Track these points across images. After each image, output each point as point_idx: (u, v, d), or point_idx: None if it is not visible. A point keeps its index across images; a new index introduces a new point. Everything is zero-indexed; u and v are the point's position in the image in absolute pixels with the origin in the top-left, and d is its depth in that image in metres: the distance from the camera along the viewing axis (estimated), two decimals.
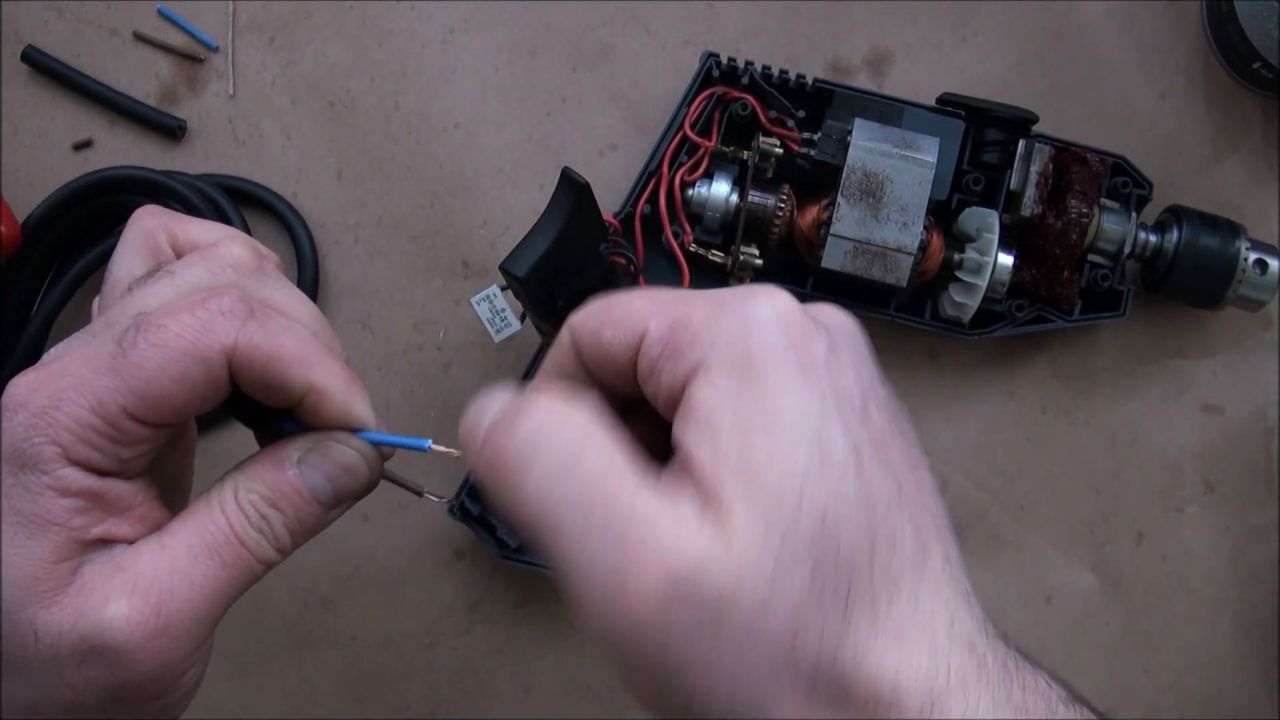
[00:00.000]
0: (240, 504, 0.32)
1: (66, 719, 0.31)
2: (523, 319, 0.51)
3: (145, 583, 0.30)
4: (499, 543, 0.53)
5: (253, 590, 0.56)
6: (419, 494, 0.38)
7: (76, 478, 0.30)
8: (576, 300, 0.47)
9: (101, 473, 0.30)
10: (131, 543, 0.31)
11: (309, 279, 0.56)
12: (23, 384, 0.30)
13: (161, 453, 0.33)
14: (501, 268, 0.43)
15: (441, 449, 0.35)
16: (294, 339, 0.32)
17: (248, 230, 0.55)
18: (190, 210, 0.54)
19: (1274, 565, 0.56)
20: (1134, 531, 0.57)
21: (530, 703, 0.56)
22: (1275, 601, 0.56)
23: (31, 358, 0.53)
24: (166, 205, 0.54)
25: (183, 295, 0.32)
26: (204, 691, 0.56)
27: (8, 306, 0.54)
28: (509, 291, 0.50)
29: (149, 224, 0.35)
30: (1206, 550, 0.56)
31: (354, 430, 0.34)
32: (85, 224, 0.55)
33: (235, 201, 0.55)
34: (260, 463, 0.33)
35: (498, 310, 0.50)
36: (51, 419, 0.30)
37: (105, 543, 0.31)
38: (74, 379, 0.30)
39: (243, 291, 0.32)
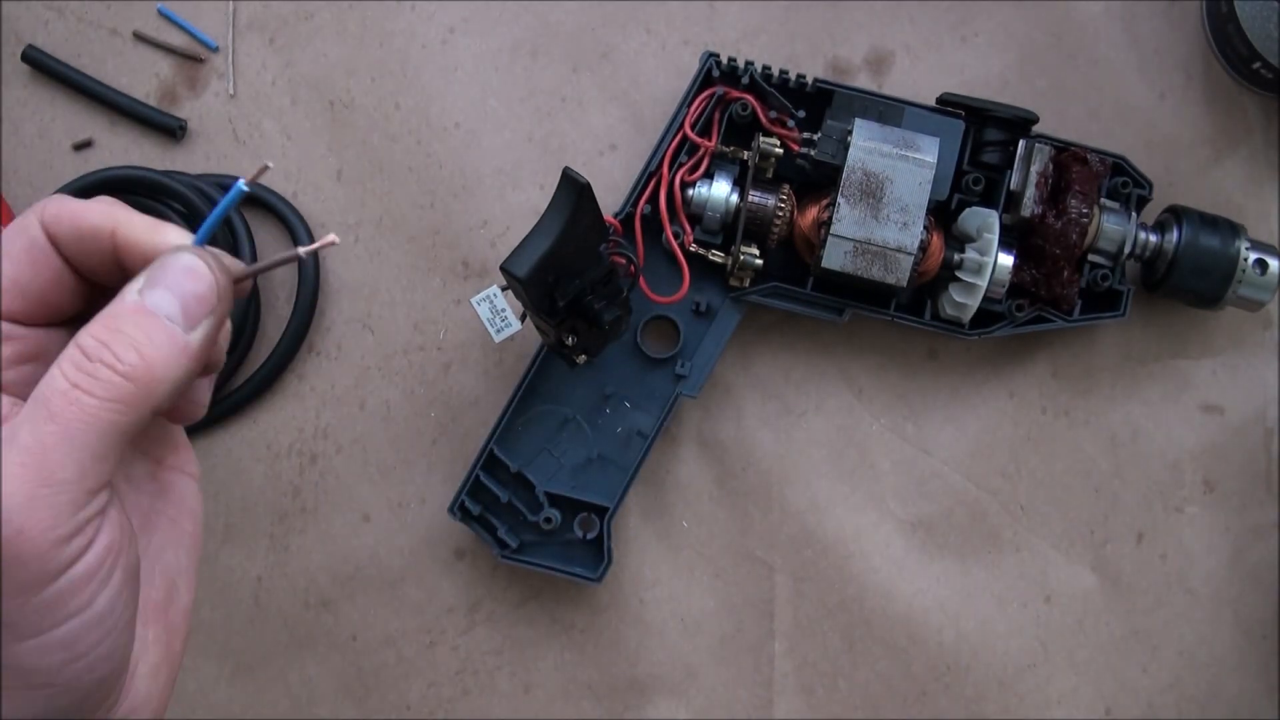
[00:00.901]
0: (73, 346, 0.30)
1: None
2: (523, 319, 0.51)
3: (11, 428, 0.29)
4: (499, 543, 0.53)
5: (253, 590, 0.56)
6: (298, 257, 0.34)
7: None
8: (577, 300, 0.47)
9: None
10: None
11: (310, 279, 0.56)
12: None
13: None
14: (502, 268, 0.43)
15: (251, 177, 0.33)
16: (97, 201, 0.33)
17: (248, 230, 0.55)
18: (191, 210, 0.54)
19: (1274, 565, 0.56)
20: (1134, 531, 0.57)
21: (530, 703, 0.56)
22: (1275, 601, 0.56)
23: None
24: (167, 205, 0.54)
25: None
26: (204, 691, 0.56)
27: None
28: (509, 291, 0.50)
29: (19, 220, 0.36)
30: (1206, 550, 0.56)
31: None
32: None
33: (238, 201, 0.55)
34: (108, 306, 0.32)
35: (498, 310, 0.50)
36: None
37: None
38: None
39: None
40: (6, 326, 0.32)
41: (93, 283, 0.34)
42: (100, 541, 0.29)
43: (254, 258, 0.55)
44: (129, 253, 0.32)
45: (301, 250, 0.33)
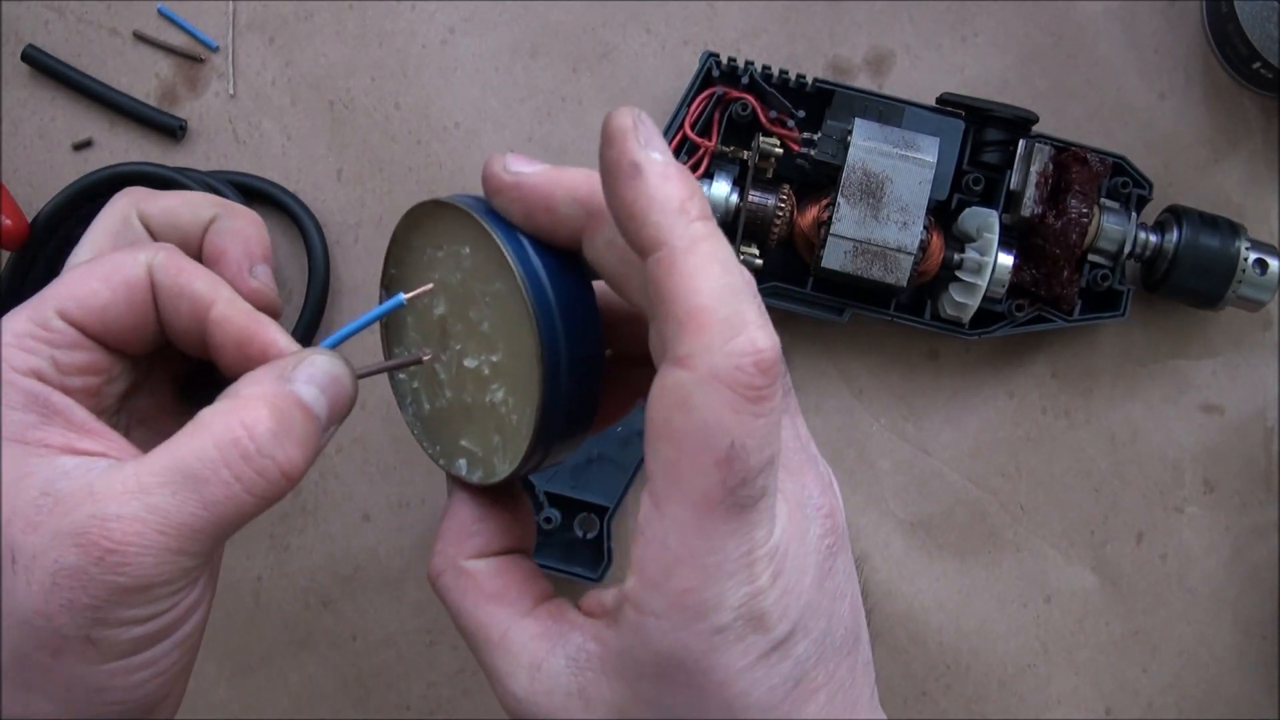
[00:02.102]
0: (242, 429, 0.30)
1: (47, 651, 0.29)
2: None
3: (138, 505, 0.29)
4: None
5: (253, 590, 0.56)
6: (419, 361, 0.35)
7: (22, 385, 0.30)
8: None
9: (43, 380, 0.31)
10: (110, 459, 0.30)
11: (319, 274, 0.56)
12: None
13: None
14: None
15: (417, 291, 0.34)
16: (206, 271, 0.34)
17: None
18: None
19: (1274, 565, 0.56)
20: (1134, 531, 0.57)
21: None
22: (1275, 601, 0.56)
23: None
24: None
25: None
26: (204, 691, 0.56)
27: (16, 304, 0.54)
28: None
29: (121, 203, 0.36)
30: (1206, 550, 0.56)
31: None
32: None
33: (247, 198, 0.55)
34: (256, 380, 0.31)
35: None
36: None
37: (73, 455, 0.30)
38: (19, 306, 0.32)
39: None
40: (79, 336, 0.32)
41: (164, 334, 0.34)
42: (205, 577, 0.31)
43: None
44: (225, 328, 0.32)
45: (426, 355, 0.34)
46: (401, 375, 0.37)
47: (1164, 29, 0.57)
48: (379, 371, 0.35)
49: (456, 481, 0.35)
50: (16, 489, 0.29)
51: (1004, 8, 0.57)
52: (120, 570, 0.28)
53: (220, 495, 0.29)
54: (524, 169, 0.31)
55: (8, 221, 0.54)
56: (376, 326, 0.35)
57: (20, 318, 0.32)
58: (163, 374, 0.37)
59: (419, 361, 0.34)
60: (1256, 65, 0.54)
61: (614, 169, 0.28)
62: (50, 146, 0.57)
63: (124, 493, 0.29)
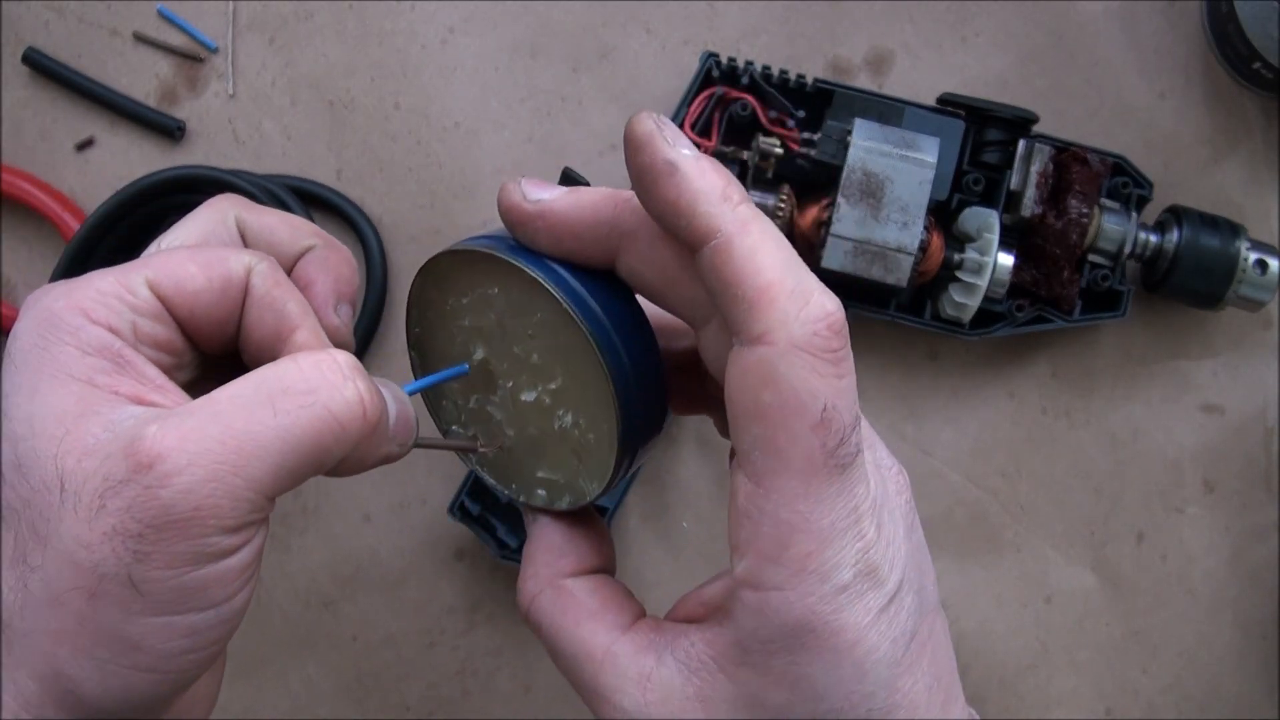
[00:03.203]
0: (334, 358, 0.29)
1: (83, 593, 0.27)
2: None
3: (202, 415, 0.28)
4: (499, 543, 0.53)
5: (253, 590, 0.56)
6: (473, 449, 0.36)
7: (96, 334, 0.30)
8: None
9: (122, 338, 0.30)
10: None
11: (377, 277, 0.56)
12: (39, 291, 0.31)
13: None
14: None
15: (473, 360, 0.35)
16: (301, 296, 0.33)
17: None
18: None
19: (1274, 565, 0.56)
20: (1134, 531, 0.57)
21: (530, 703, 0.56)
22: (1275, 601, 0.56)
23: None
24: None
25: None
26: None
27: None
28: None
29: (222, 205, 0.36)
30: (1206, 550, 0.56)
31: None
32: (154, 220, 0.54)
33: (301, 201, 0.55)
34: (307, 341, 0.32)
35: None
36: (79, 291, 0.30)
37: (140, 405, 0.29)
38: (99, 271, 0.31)
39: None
40: (162, 309, 0.32)
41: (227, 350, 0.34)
42: (256, 542, 0.29)
43: None
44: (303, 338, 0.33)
45: (481, 447, 0.36)
46: (455, 427, 0.37)
47: (1164, 29, 0.57)
48: (436, 446, 0.36)
49: (539, 511, 0.35)
50: (77, 424, 0.28)
51: (1004, 8, 0.57)
52: (168, 482, 0.26)
53: (295, 405, 0.28)
54: (545, 196, 0.31)
55: (69, 219, 0.54)
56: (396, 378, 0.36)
57: (108, 278, 0.31)
58: (218, 382, 0.36)
59: (473, 449, 0.36)
60: (1256, 65, 0.54)
61: (650, 171, 0.29)
62: (52, 147, 0.57)
63: (188, 408, 0.28)
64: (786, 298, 0.27)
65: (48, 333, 0.29)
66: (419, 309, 0.36)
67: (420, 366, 0.37)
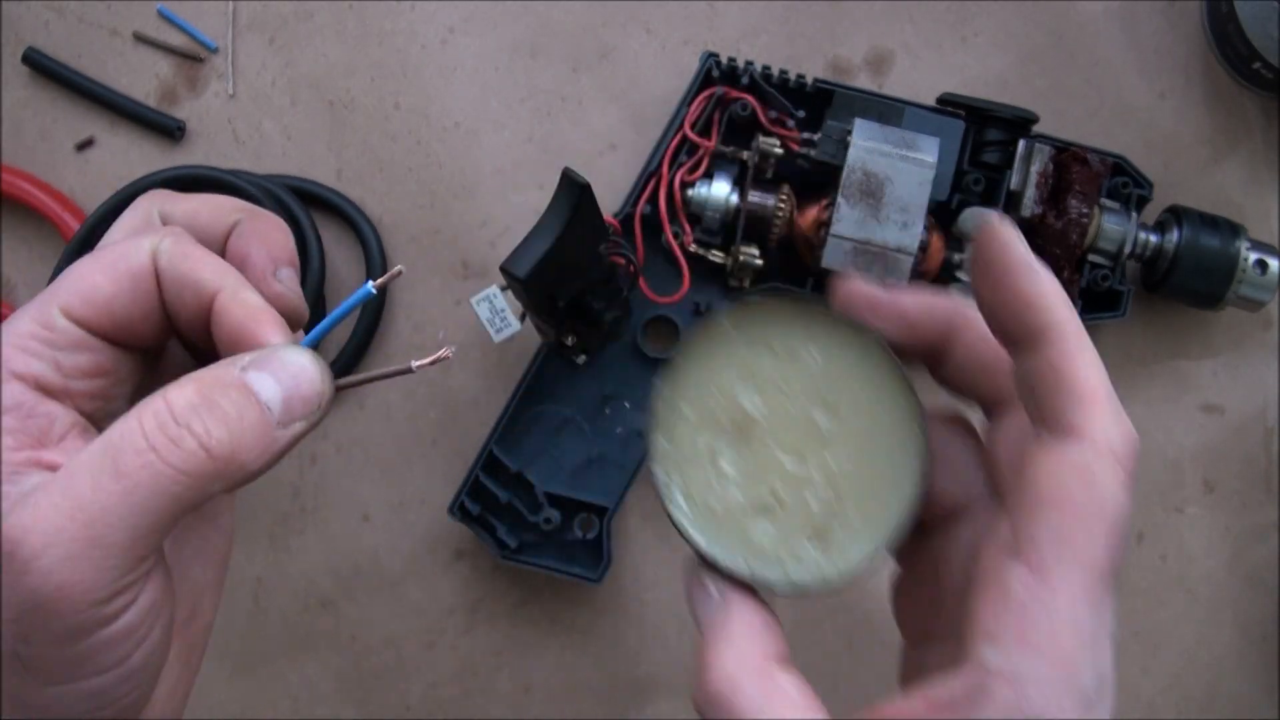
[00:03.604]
0: (162, 401, 0.28)
1: None
2: (522, 319, 0.51)
3: (54, 490, 0.27)
4: (499, 543, 0.53)
5: (253, 590, 0.56)
6: (408, 370, 0.33)
7: (11, 392, 0.30)
8: (577, 301, 0.47)
9: (43, 388, 0.30)
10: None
11: (377, 277, 0.55)
12: None
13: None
14: (502, 268, 0.43)
15: (383, 279, 0.33)
16: (215, 258, 0.32)
17: (315, 231, 0.54)
18: None
19: (1274, 565, 0.56)
20: (1134, 531, 0.57)
21: (530, 703, 0.56)
22: (1275, 601, 0.56)
23: None
24: None
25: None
26: (204, 691, 0.56)
27: None
28: (509, 291, 0.50)
29: (144, 204, 0.35)
30: (1206, 550, 0.56)
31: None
32: None
33: (302, 202, 0.55)
34: (209, 368, 0.30)
35: (497, 310, 0.50)
36: (4, 338, 0.30)
37: (39, 470, 0.29)
38: (25, 305, 0.31)
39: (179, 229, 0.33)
40: (84, 335, 0.31)
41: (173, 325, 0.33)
42: (141, 602, 0.28)
43: (322, 262, 0.54)
44: (223, 320, 0.31)
45: (414, 365, 0.33)
46: (668, 475, 0.33)
47: (1164, 29, 0.57)
48: (362, 382, 0.34)
49: (740, 584, 0.32)
50: None
51: (1004, 8, 0.57)
52: (30, 568, 0.26)
53: (134, 465, 0.27)
54: (895, 289, 0.33)
55: (69, 219, 0.54)
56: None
57: (25, 317, 0.31)
58: (174, 370, 0.35)
59: (409, 370, 0.33)
60: (1256, 65, 0.54)
61: (1013, 266, 0.30)
62: (53, 147, 0.57)
63: (45, 485, 0.27)
64: (1111, 408, 0.30)
65: None
66: (696, 356, 0.34)
67: (662, 404, 0.34)
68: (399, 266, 0.33)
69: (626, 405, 0.55)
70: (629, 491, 0.55)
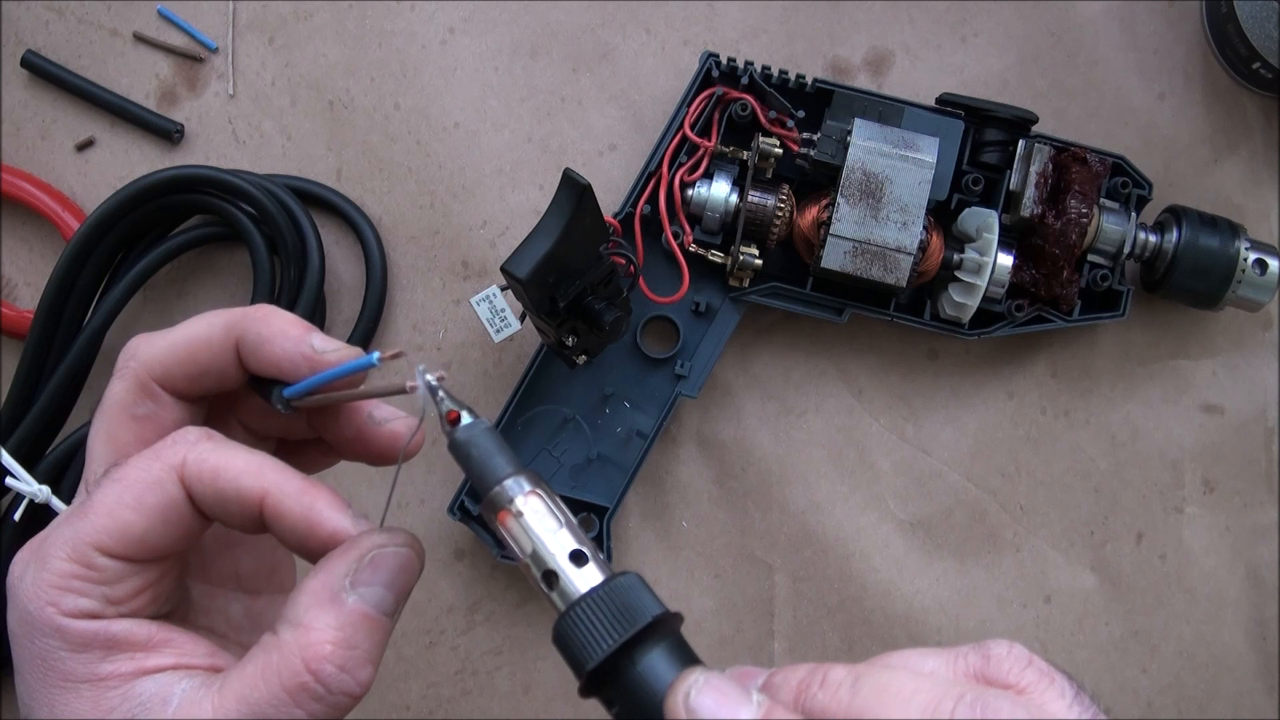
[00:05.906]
0: (309, 670, 0.30)
1: None
2: (522, 319, 0.51)
3: None
4: (499, 543, 0.53)
5: None
6: (403, 390, 0.33)
7: (79, 628, 0.30)
8: (577, 301, 0.47)
9: (98, 617, 0.31)
10: (180, 670, 0.31)
11: (377, 277, 0.55)
12: (18, 560, 0.31)
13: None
14: (503, 268, 0.43)
15: (388, 355, 0.33)
16: (245, 453, 0.32)
17: (315, 231, 0.54)
18: (261, 212, 0.53)
19: (1274, 565, 0.56)
20: (1134, 531, 0.57)
21: (530, 703, 0.56)
22: (1275, 601, 0.56)
23: (91, 350, 0.53)
24: (236, 205, 0.53)
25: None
26: None
27: (71, 298, 0.53)
28: (509, 291, 0.50)
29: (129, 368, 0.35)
30: (1206, 550, 0.56)
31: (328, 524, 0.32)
32: (153, 220, 0.54)
33: (301, 201, 0.55)
34: (315, 603, 0.31)
35: (497, 310, 0.50)
36: (44, 577, 0.31)
37: (149, 675, 0.31)
38: (53, 537, 0.31)
39: (204, 430, 0.33)
40: (126, 567, 0.31)
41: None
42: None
43: (322, 262, 0.54)
44: (282, 522, 0.31)
45: (410, 385, 0.32)
46: None
47: (1164, 29, 0.57)
48: (355, 398, 0.34)
49: None
50: None
51: (1004, 8, 0.57)
52: None
53: None
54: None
55: (69, 219, 0.54)
56: None
57: (59, 557, 0.31)
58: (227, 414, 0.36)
59: (402, 390, 0.32)
60: (1256, 65, 0.54)
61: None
62: (53, 148, 0.57)
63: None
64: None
65: (36, 638, 0.30)
66: None
67: None
68: (402, 350, 0.33)
69: (626, 405, 0.55)
70: (629, 491, 0.55)
